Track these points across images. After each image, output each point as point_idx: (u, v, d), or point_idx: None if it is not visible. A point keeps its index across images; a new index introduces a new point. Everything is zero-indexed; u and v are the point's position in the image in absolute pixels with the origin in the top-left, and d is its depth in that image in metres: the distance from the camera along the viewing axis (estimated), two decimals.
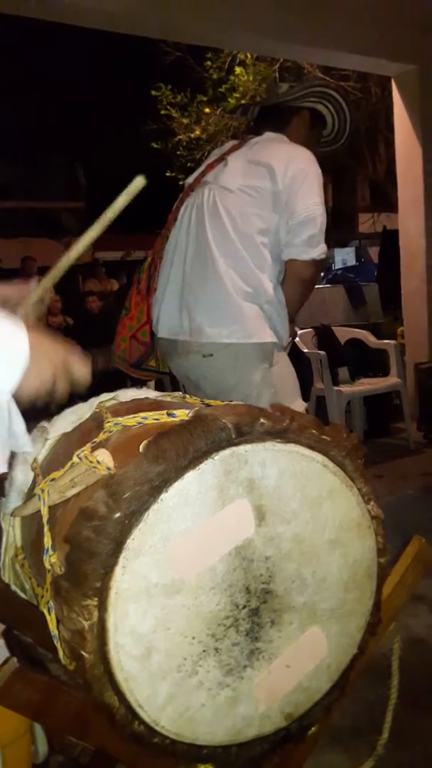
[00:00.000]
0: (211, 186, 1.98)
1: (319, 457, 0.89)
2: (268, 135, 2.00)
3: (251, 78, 6.51)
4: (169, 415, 0.93)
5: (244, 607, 0.84)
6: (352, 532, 0.92)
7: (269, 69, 6.45)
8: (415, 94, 4.26)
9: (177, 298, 1.95)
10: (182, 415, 0.91)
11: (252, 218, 1.89)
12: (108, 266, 8.83)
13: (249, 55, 6.20)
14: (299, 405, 1.99)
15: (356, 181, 16.56)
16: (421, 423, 4.24)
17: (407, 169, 4.37)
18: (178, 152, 7.25)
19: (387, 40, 4.01)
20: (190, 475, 0.78)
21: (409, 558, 1.04)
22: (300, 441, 0.87)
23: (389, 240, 6.23)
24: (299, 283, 1.94)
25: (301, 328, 3.98)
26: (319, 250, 1.90)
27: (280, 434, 0.85)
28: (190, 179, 2.11)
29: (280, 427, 0.86)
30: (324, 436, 0.90)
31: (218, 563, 0.81)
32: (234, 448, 0.81)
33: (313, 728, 0.96)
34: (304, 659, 0.91)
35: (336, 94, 2.03)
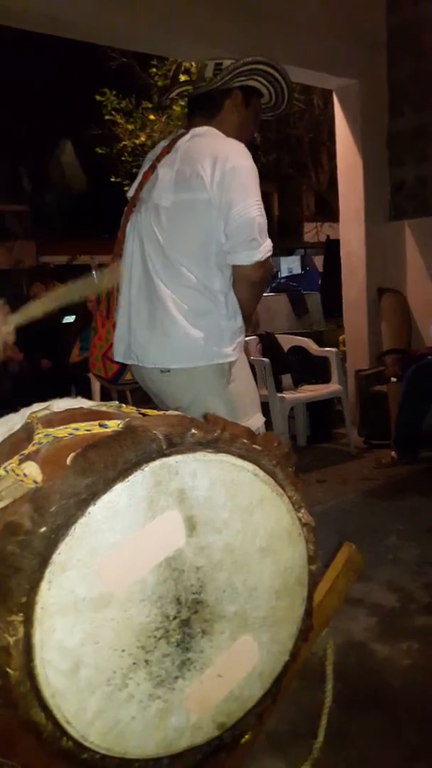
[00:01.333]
0: (146, 204, 1.93)
1: (250, 466, 0.90)
2: (194, 132, 1.89)
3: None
4: (101, 425, 0.92)
5: (175, 617, 0.84)
6: (283, 540, 0.93)
7: None
8: (356, 109, 4.38)
9: (126, 324, 1.95)
10: (114, 425, 0.90)
11: (191, 232, 1.83)
12: (54, 271, 8.71)
13: (194, 63, 6.23)
14: (258, 419, 1.99)
15: (302, 190, 16.85)
16: (361, 428, 4.35)
17: (348, 181, 4.48)
18: (123, 158, 7.21)
19: (329, 56, 4.11)
20: (119, 487, 0.77)
21: (340, 564, 1.06)
22: (231, 451, 0.88)
23: (332, 250, 6.37)
24: (249, 287, 1.88)
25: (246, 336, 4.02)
26: (261, 252, 1.81)
27: (211, 444, 0.86)
28: (131, 192, 2.05)
29: (211, 437, 0.86)
30: (255, 446, 0.91)
31: (148, 575, 0.81)
32: (164, 459, 0.81)
33: (246, 736, 0.97)
34: (235, 668, 0.91)
35: (266, 67, 1.92)
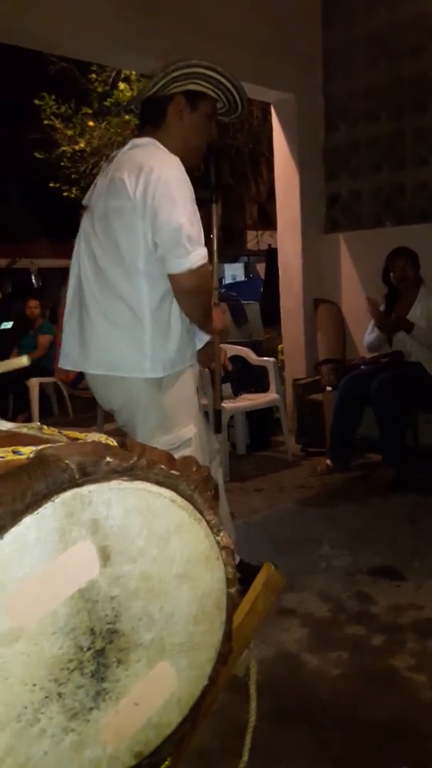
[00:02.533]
0: (89, 211, 1.97)
1: (167, 492, 0.89)
2: (134, 142, 1.94)
3: (136, 94, 6.52)
4: (15, 452, 0.90)
5: (89, 648, 0.83)
6: (201, 565, 0.93)
7: None
8: (292, 122, 4.46)
9: (67, 329, 2.01)
10: (28, 452, 0.88)
11: (118, 240, 1.85)
12: None
13: (133, 72, 6.22)
14: (189, 430, 1.98)
15: (245, 199, 17.05)
16: (299, 436, 4.42)
17: (285, 193, 4.56)
18: (62, 163, 7.11)
19: (267, 70, 4.18)
20: (28, 520, 0.76)
21: (260, 585, 1.07)
22: (148, 477, 0.88)
23: (273, 258, 6.46)
24: (184, 296, 1.87)
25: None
26: (192, 260, 1.81)
27: (127, 472, 0.85)
28: (85, 199, 2.08)
29: (127, 465, 0.85)
30: (173, 471, 0.91)
31: (60, 607, 0.80)
32: (77, 489, 0.80)
33: (165, 763, 0.96)
34: (153, 695, 0.91)
35: (204, 69, 1.92)
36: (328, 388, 4.17)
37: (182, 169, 1.86)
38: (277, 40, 4.16)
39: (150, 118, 1.98)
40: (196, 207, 1.86)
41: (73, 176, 7.04)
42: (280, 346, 5.16)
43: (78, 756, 0.84)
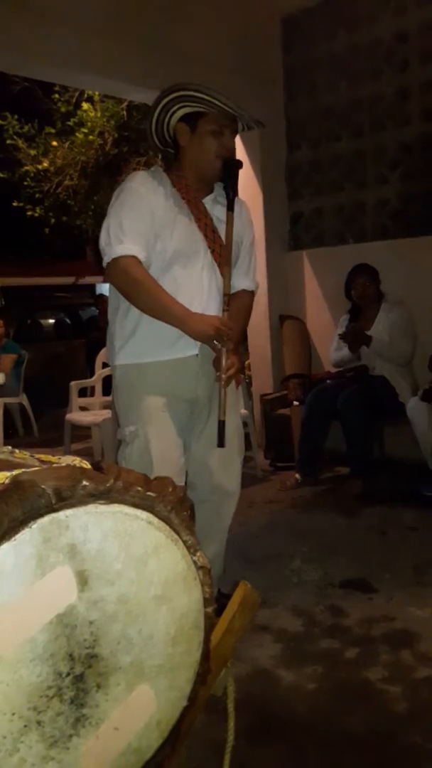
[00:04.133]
0: None
1: (144, 514, 0.90)
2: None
3: (99, 114, 6.54)
4: None
5: (68, 674, 0.83)
6: (179, 586, 0.94)
7: (117, 106, 6.53)
8: (255, 142, 4.53)
9: None
10: (2, 478, 0.88)
11: None
12: None
13: (96, 92, 6.25)
14: (129, 429, 2.08)
15: None
16: (267, 451, 4.44)
17: (251, 211, 4.60)
18: (26, 183, 7.07)
19: (230, 90, 4.19)
20: (5, 547, 0.76)
21: (236, 604, 1.08)
22: (124, 500, 0.88)
23: None
24: (117, 290, 2.04)
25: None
26: (108, 254, 1.98)
27: (104, 495, 0.86)
28: None
29: (103, 488, 0.86)
30: (149, 492, 0.92)
31: (39, 634, 0.79)
32: (54, 515, 0.80)
33: None
34: (132, 719, 0.90)
35: (189, 92, 2.00)
36: (295, 403, 4.22)
37: (139, 179, 2.05)
38: (240, 62, 4.23)
39: (174, 151, 2.17)
40: (144, 210, 1.98)
41: (37, 195, 6.99)
42: (247, 362, 5.20)
43: None
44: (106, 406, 4.73)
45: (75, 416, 4.61)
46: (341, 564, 2.78)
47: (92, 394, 5.29)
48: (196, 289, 2.05)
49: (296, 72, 4.67)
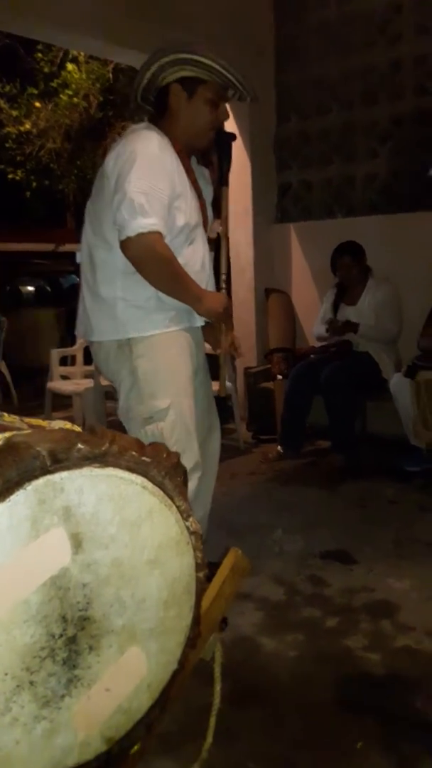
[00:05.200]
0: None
1: (139, 479, 0.89)
2: (132, 128, 2.00)
3: (84, 76, 6.37)
4: None
5: (61, 636, 0.83)
6: (171, 550, 0.94)
7: (103, 68, 6.36)
8: (245, 111, 4.45)
9: (80, 303, 2.11)
10: None
11: (98, 215, 1.95)
12: None
13: (81, 53, 6.08)
14: (162, 402, 1.93)
15: None
16: (249, 424, 4.46)
17: (237, 182, 4.54)
18: (7, 145, 6.88)
19: (220, 56, 4.14)
20: (0, 508, 0.75)
21: (227, 570, 1.08)
22: (119, 464, 0.87)
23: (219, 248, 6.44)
24: (136, 266, 1.86)
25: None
26: (132, 227, 1.79)
27: (99, 459, 0.85)
28: None
29: (98, 452, 0.85)
30: (144, 458, 0.91)
31: (32, 595, 0.79)
32: (49, 477, 0.79)
33: (135, 747, 0.97)
34: (123, 681, 0.91)
35: (190, 55, 1.91)
36: (279, 377, 4.22)
37: (158, 144, 1.88)
38: (231, 31, 4.13)
39: (156, 107, 2.03)
40: (175, 182, 1.87)
41: (18, 158, 6.81)
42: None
43: (49, 743, 0.84)
44: (87, 376, 4.69)
45: (56, 385, 4.57)
46: (322, 535, 2.81)
47: (73, 363, 5.24)
48: (200, 265, 2.00)
49: (288, 42, 4.58)
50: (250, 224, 4.53)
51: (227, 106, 2.07)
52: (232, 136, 2.10)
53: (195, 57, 1.92)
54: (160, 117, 2.01)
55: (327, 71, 4.43)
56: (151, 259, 1.85)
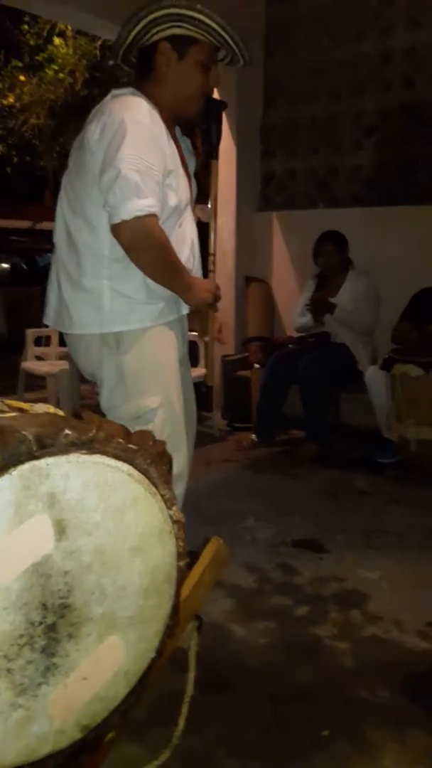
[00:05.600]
0: (67, 170, 1.85)
1: (125, 466, 0.88)
2: (114, 92, 1.78)
3: (71, 51, 6.22)
4: None
5: (40, 623, 0.81)
6: (154, 539, 0.93)
7: (91, 44, 6.22)
8: (232, 97, 4.40)
9: (50, 289, 1.92)
10: None
11: (81, 194, 1.74)
12: None
13: (69, 27, 5.93)
14: (152, 401, 1.79)
15: None
16: (225, 412, 4.46)
17: (222, 168, 4.49)
18: None
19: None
20: None
21: (207, 559, 1.08)
22: (106, 451, 0.86)
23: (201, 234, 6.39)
24: (126, 251, 1.67)
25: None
26: (126, 209, 1.60)
27: (86, 445, 0.83)
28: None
29: (85, 438, 0.83)
30: (130, 445, 0.90)
31: (13, 582, 0.77)
32: (34, 462, 0.77)
33: (109, 735, 0.97)
34: (101, 669, 0.90)
35: (185, 10, 1.72)
36: (256, 366, 4.22)
37: (149, 113, 1.69)
38: (220, 11, 4.07)
39: (140, 68, 1.82)
40: (167, 157, 1.71)
41: (1, 132, 6.66)
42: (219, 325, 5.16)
43: (24, 731, 0.83)
44: (62, 357, 4.63)
45: (30, 365, 4.51)
46: (293, 524, 2.83)
47: (48, 344, 5.17)
48: (189, 250, 1.85)
49: (278, 27, 4.53)
50: (233, 212, 4.49)
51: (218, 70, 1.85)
52: (224, 104, 1.92)
53: (190, 13, 1.72)
54: (143, 80, 1.80)
55: (316, 59, 4.40)
56: (148, 245, 1.67)
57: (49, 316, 1.91)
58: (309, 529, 2.79)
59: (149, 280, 1.74)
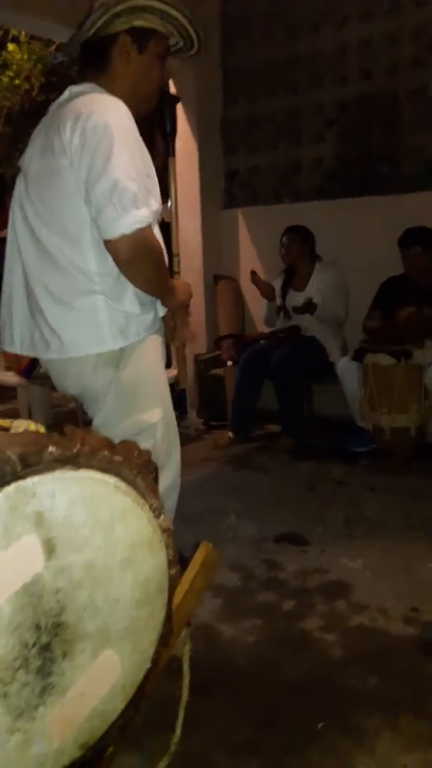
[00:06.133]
0: (21, 175, 1.73)
1: (111, 479, 0.88)
2: (72, 90, 1.69)
3: (26, 57, 6.11)
4: None
5: (34, 644, 0.80)
6: (144, 549, 0.92)
7: (45, 49, 6.13)
8: (191, 94, 4.39)
9: (8, 308, 1.78)
10: None
11: (57, 204, 1.63)
12: None
13: (23, 32, 5.83)
14: (154, 415, 1.75)
15: None
16: (200, 411, 4.46)
17: (184, 166, 4.49)
18: None
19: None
20: None
21: (198, 564, 1.08)
22: (92, 465, 0.85)
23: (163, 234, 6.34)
24: (122, 265, 1.60)
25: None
26: (126, 223, 1.54)
27: (71, 460, 0.82)
28: (20, 160, 1.78)
29: (70, 453, 0.82)
30: (116, 457, 0.89)
31: (5, 605, 0.76)
32: (20, 482, 0.76)
33: (109, 749, 0.96)
34: (98, 684, 0.90)
35: (149, 1, 1.66)
36: (229, 363, 4.23)
37: (128, 114, 1.61)
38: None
39: (92, 61, 1.72)
40: (144, 160, 1.65)
41: None
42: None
43: (24, 754, 0.82)
44: None
45: (0, 376, 4.44)
46: (275, 519, 2.85)
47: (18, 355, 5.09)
48: (163, 253, 1.76)
49: (234, 23, 4.52)
50: (198, 210, 4.48)
51: (173, 87, 1.91)
52: (177, 98, 1.89)
53: (156, 4, 1.66)
54: (95, 73, 1.71)
55: (274, 54, 4.40)
56: (147, 258, 1.61)
57: (17, 342, 1.77)
58: (290, 522, 2.81)
59: (138, 291, 1.67)
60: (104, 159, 1.53)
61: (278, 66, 4.39)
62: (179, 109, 4.37)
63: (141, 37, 1.69)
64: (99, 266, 1.63)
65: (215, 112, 4.62)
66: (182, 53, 1.84)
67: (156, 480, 0.95)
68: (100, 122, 1.55)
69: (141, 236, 1.57)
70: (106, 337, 1.66)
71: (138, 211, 1.55)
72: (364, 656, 1.90)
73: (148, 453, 0.92)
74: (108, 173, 1.52)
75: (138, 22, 1.68)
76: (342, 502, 3.03)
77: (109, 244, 1.58)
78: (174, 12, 1.69)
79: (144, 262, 1.62)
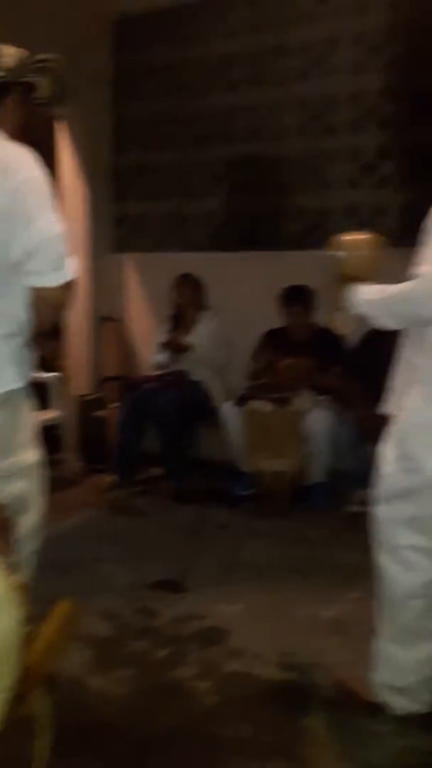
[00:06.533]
0: None
1: None
2: None
3: None
4: None
5: None
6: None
7: None
8: (82, 140, 4.46)
9: None
10: None
11: None
12: None
13: None
14: (32, 455, 1.74)
15: None
16: (81, 453, 4.37)
17: (73, 209, 4.50)
18: None
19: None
20: None
21: (57, 622, 1.06)
22: None
23: None
24: (54, 310, 1.70)
25: None
26: (72, 268, 1.65)
27: None
28: None
29: None
30: None
31: None
32: None
33: None
34: None
35: (54, 64, 1.81)
36: (113, 405, 4.21)
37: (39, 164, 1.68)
38: (66, 55, 4.10)
39: None
40: None
41: None
42: (59, 362, 5.05)
43: None
44: None
45: None
46: (153, 565, 2.83)
47: None
48: None
49: (128, 74, 4.65)
50: (87, 252, 4.50)
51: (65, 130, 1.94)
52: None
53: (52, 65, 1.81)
54: None
55: (165, 108, 4.55)
56: (69, 300, 1.70)
57: None
58: (168, 568, 2.80)
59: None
60: (45, 211, 1.61)
61: (170, 120, 4.55)
62: (68, 151, 4.39)
63: (27, 90, 1.77)
64: (27, 312, 1.67)
65: (107, 157, 4.70)
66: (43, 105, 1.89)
67: (11, 533, 0.93)
68: (31, 176, 1.61)
69: (74, 282, 1.67)
70: (23, 372, 1.70)
71: (73, 259, 1.65)
72: (238, 703, 1.91)
73: (3, 509, 0.91)
74: (52, 225, 1.60)
75: (31, 79, 1.77)
76: (223, 547, 3.06)
77: (49, 291, 1.62)
78: (53, 75, 1.80)
79: (66, 306, 1.71)
